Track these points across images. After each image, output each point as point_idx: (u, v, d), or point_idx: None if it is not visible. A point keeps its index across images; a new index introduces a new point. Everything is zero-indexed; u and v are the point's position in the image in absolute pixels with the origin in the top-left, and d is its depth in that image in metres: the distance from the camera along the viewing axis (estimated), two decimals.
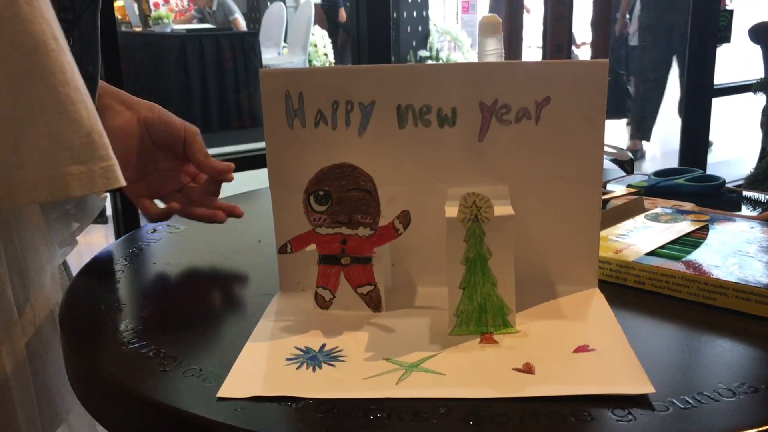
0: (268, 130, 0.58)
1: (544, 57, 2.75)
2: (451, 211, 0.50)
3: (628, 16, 4.92)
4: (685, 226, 0.67)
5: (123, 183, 0.54)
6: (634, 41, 4.85)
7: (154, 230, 0.79)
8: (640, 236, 0.64)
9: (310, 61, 6.86)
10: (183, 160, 0.73)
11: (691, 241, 0.63)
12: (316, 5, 7.13)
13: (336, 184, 0.54)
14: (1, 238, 0.58)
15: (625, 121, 5.05)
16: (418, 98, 0.56)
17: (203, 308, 0.59)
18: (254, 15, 8.05)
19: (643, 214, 0.71)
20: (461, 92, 0.56)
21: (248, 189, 0.78)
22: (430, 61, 6.11)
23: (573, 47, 8.46)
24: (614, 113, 5.08)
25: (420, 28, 6.19)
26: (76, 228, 0.72)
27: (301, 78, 0.57)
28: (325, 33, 7.65)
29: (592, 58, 2.73)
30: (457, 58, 6.42)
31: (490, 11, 9.14)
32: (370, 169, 0.55)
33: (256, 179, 0.76)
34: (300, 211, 0.55)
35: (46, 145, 0.50)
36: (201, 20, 6.71)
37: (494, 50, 0.64)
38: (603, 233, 0.65)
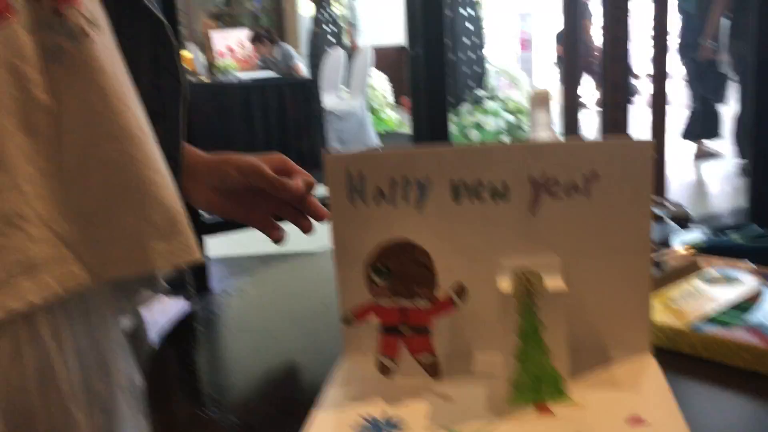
0: (333, 207, 0.62)
1: (602, 96, 2.75)
2: (505, 285, 0.53)
3: (714, 43, 4.93)
4: (740, 289, 0.68)
5: (200, 258, 0.59)
6: (729, 71, 4.90)
7: (226, 292, 0.84)
8: (695, 301, 0.66)
9: (369, 103, 6.99)
10: None
11: (747, 305, 0.64)
12: (374, 48, 7.29)
13: (395, 260, 0.58)
14: (77, 311, 0.63)
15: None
16: (471, 175, 0.60)
17: (274, 374, 0.63)
18: (315, 61, 8.27)
19: (699, 276, 0.72)
20: (512, 169, 0.59)
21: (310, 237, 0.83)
22: (487, 101, 6.14)
23: (632, 79, 8.39)
24: (707, 134, 5.22)
25: (477, 69, 6.25)
26: (145, 298, 0.77)
27: (362, 159, 0.61)
28: (384, 76, 7.80)
29: (653, 93, 2.71)
30: (514, 95, 6.44)
31: (558, 42, 9.15)
32: (428, 241, 0.58)
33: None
34: (362, 283, 0.59)
35: (134, 224, 0.56)
36: (264, 68, 6.94)
37: (545, 122, 0.67)
38: (658, 297, 0.67)
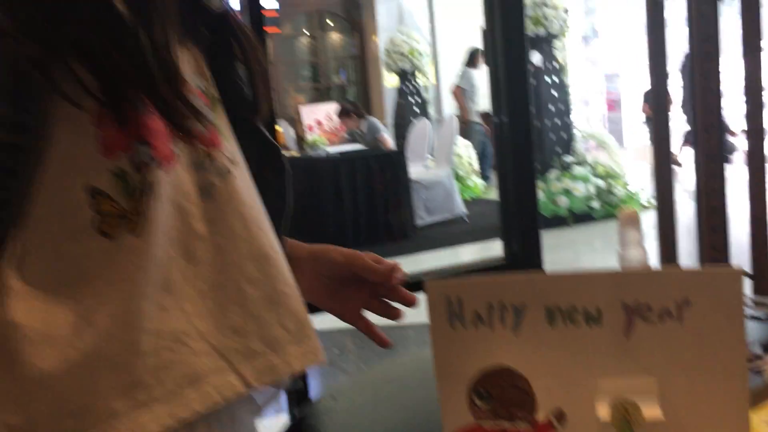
0: (434, 330, 0.66)
1: (697, 165, 2.69)
2: (603, 413, 0.56)
3: None
4: None
5: (325, 359, 0.65)
6: None
7: (333, 397, 0.89)
8: None
9: (455, 171, 7.07)
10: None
11: None
12: (458, 116, 7.43)
13: (495, 384, 0.61)
14: (226, 416, 0.69)
15: None
16: (565, 300, 0.63)
17: None
18: (400, 131, 8.47)
19: None
20: (605, 294, 0.62)
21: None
22: (575, 166, 6.09)
23: (728, 135, 8.14)
24: None
25: (564, 135, 6.25)
26: (268, 399, 0.83)
27: (461, 286, 0.66)
28: (468, 144, 7.89)
29: (749, 151, 2.64)
30: (603, 158, 6.38)
31: (645, 101, 9.03)
32: (526, 363, 0.61)
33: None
34: (465, 404, 0.63)
35: (276, 333, 0.63)
36: (351, 140, 7.16)
37: (635, 240, 0.70)
38: (758, 412, 0.67)
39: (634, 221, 0.71)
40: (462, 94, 8.20)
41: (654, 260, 1.95)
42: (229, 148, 0.64)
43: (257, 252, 0.63)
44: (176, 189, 0.58)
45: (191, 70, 0.63)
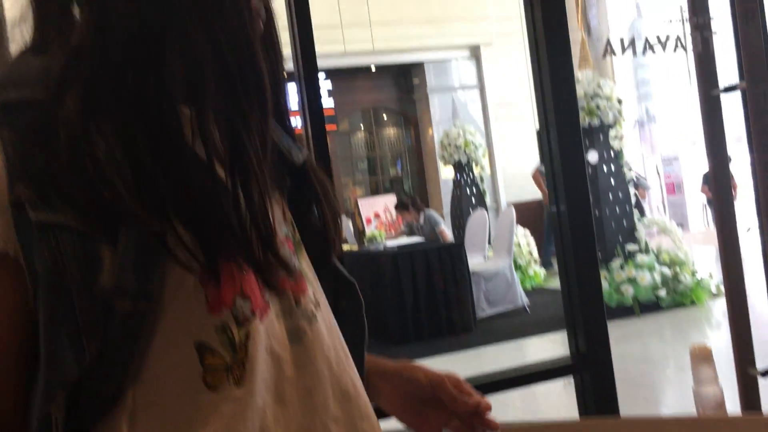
0: None
1: (764, 253, 2.61)
2: None
3: None
4: None
5: None
6: None
7: None
8: None
9: (515, 261, 7.01)
10: None
11: None
12: (514, 204, 7.41)
13: None
14: None
15: None
16: None
17: None
18: (457, 221, 8.49)
19: None
20: None
21: None
22: (639, 255, 5.96)
23: None
24: None
25: (625, 223, 6.15)
26: None
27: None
28: (527, 232, 7.85)
29: None
30: (667, 244, 6.24)
31: (705, 183, 8.85)
32: None
33: None
34: None
35: None
36: (409, 233, 7.19)
37: (709, 377, 0.69)
38: None
39: (707, 358, 0.69)
40: (541, 177, 8.17)
41: (728, 353, 1.88)
42: (313, 291, 0.67)
43: (340, 391, 0.65)
44: (270, 337, 0.60)
45: (278, 218, 0.66)
